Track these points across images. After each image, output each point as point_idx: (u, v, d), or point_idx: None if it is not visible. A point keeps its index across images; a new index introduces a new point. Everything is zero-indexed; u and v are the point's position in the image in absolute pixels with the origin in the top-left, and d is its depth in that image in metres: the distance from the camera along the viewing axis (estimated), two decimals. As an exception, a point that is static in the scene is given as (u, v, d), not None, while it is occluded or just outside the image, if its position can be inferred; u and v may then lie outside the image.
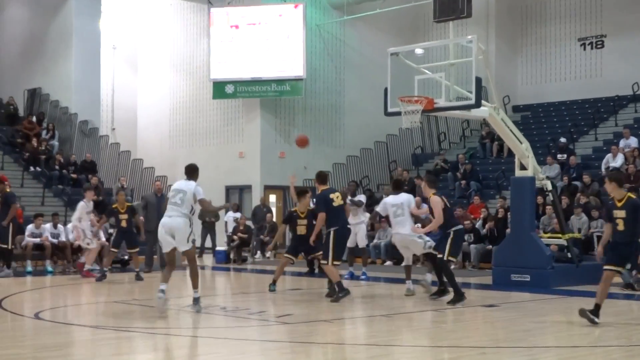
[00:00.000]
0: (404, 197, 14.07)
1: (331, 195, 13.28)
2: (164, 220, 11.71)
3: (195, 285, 11.85)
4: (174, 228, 11.62)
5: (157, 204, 19.87)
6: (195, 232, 26.44)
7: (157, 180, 23.08)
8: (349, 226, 14.01)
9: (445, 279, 13.11)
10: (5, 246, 18.26)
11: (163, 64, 32.28)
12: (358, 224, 17.14)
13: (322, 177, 13.63)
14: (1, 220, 18.20)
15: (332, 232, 13.10)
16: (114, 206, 18.19)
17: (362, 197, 17.72)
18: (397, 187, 14.52)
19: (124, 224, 17.76)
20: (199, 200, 11.82)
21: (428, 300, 13.30)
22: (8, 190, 19.11)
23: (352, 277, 17.38)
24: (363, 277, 17.41)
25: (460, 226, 13.31)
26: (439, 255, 12.94)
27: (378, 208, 14.53)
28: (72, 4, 28.89)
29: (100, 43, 29.62)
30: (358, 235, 17.15)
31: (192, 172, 12.08)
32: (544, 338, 9.96)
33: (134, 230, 18.13)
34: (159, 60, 32.46)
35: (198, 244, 26.02)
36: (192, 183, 11.89)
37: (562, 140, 25.56)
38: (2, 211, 18.35)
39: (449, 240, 12.87)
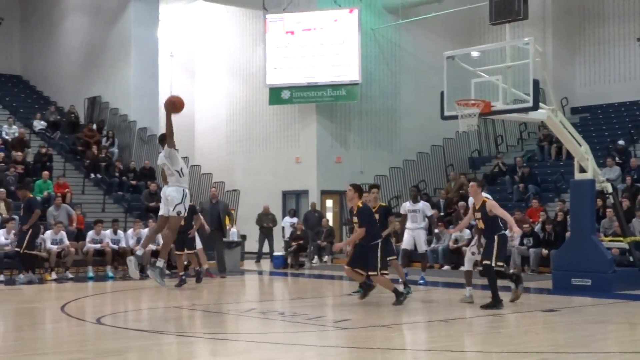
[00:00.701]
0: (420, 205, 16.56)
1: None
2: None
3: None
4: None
5: (211, 210, 20.31)
6: (254, 237, 26.68)
7: (212, 187, 23.23)
8: (407, 230, 14.57)
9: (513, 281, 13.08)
10: (26, 250, 18.45)
11: (220, 70, 32.51)
12: (417, 229, 17.11)
13: (360, 189, 13.46)
14: (23, 225, 18.61)
15: (379, 244, 13.10)
16: None
17: (420, 205, 17.31)
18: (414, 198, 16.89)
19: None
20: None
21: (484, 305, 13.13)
22: (30, 195, 19.53)
23: (425, 282, 17.35)
24: (421, 282, 17.33)
25: (505, 231, 13.03)
26: (486, 262, 12.74)
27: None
28: (130, 13, 29.27)
29: (158, 51, 29.94)
30: (417, 240, 17.10)
31: (160, 141, 12.89)
32: (606, 343, 9.79)
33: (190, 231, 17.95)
34: (216, 67, 32.71)
35: (256, 249, 26.20)
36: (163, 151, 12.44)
37: (621, 142, 25.15)
38: (24, 216, 18.71)
39: (495, 246, 12.70)
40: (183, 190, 11.89)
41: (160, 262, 11.67)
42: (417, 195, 17.46)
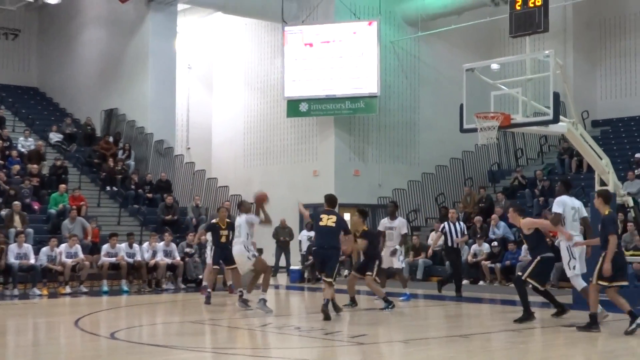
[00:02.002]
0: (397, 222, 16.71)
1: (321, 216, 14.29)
2: None
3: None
4: None
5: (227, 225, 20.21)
6: (270, 251, 26.65)
7: (226, 201, 23.18)
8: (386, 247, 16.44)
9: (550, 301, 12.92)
10: None
11: (237, 82, 32.57)
12: (393, 247, 16.86)
13: (365, 214, 15.34)
14: None
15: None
16: (214, 221, 17.42)
17: (397, 222, 17.12)
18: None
19: (223, 239, 16.94)
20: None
21: (510, 321, 13.01)
22: None
23: (408, 298, 17.13)
24: (403, 297, 16.98)
25: (550, 254, 12.93)
26: (518, 273, 12.72)
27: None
28: (148, 25, 29.38)
29: (175, 63, 30.01)
30: (394, 258, 16.88)
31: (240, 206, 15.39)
32: (628, 361, 9.66)
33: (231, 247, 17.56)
34: (234, 79, 32.77)
35: (272, 262, 26.15)
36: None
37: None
38: None
39: (534, 263, 12.68)
40: (245, 246, 14.76)
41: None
42: (394, 211, 17.27)
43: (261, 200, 14.99)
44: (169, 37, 29.71)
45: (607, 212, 11.81)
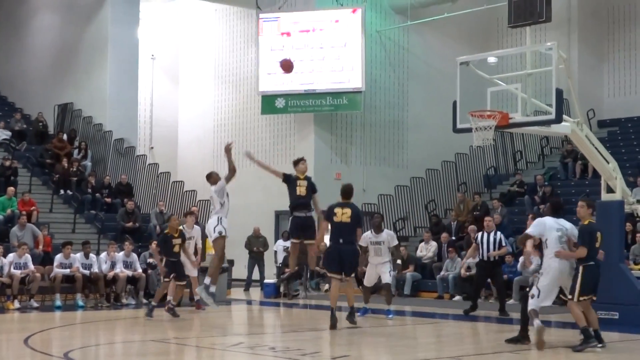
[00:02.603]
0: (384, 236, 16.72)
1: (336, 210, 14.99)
2: None
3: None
4: None
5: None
6: (242, 263, 26.67)
7: (193, 206, 23.21)
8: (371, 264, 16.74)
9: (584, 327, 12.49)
10: None
11: (207, 75, 32.56)
12: (382, 263, 16.74)
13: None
14: None
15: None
16: (166, 232, 17.64)
17: (384, 236, 17.07)
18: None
19: (176, 248, 17.19)
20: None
21: (502, 341, 13.10)
22: None
23: (365, 313, 17.08)
24: (390, 315, 16.93)
25: (592, 262, 12.62)
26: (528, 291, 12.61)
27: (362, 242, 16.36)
28: (107, 11, 29.33)
29: (138, 53, 29.96)
30: (382, 272, 16.76)
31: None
32: (635, 385, 9.76)
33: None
34: (203, 72, 32.76)
35: (245, 275, 26.15)
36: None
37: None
38: None
39: (579, 277, 12.15)
40: (218, 218, 15.54)
41: (213, 287, 15.13)
42: (380, 224, 17.24)
43: (228, 149, 15.91)
44: (130, 24, 29.67)
45: (586, 222, 12.29)
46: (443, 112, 20.42)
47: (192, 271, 18.08)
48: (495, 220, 23.48)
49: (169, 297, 16.94)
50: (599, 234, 12.26)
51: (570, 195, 25.75)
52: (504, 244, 18.37)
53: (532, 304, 12.21)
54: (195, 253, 18.64)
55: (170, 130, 33.36)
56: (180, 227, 17.68)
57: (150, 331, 15.03)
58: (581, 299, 12.04)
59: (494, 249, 18.11)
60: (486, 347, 12.92)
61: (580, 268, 12.02)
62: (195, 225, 18.84)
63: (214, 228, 15.40)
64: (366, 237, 16.75)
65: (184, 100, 33.49)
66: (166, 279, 17.09)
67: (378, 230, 16.92)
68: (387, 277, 16.83)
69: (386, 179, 28.93)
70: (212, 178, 16.16)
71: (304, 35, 28.50)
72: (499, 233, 18.50)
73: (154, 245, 19.54)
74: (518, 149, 30.09)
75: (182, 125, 33.49)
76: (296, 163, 16.35)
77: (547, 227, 12.34)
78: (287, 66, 16.29)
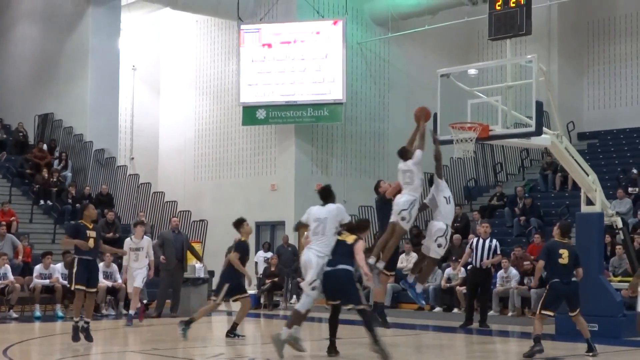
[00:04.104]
0: (328, 210, 12.77)
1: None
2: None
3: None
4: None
5: (174, 242, 20.80)
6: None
7: (174, 217, 23.16)
8: None
9: None
10: None
11: (188, 86, 32.53)
12: None
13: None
14: None
15: None
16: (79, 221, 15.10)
17: None
18: (325, 196, 13.04)
19: (91, 243, 14.68)
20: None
21: (484, 352, 13.16)
22: None
23: None
24: None
25: (555, 279, 13.14)
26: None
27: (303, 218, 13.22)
28: (88, 21, 29.28)
29: (119, 63, 29.94)
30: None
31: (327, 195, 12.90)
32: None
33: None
34: (183, 83, 32.72)
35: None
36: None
37: (634, 171, 25.34)
38: None
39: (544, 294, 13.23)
40: (414, 199, 13.58)
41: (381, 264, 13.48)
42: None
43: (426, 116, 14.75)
44: (111, 34, 29.64)
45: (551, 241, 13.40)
46: (424, 124, 20.43)
47: (136, 281, 17.94)
48: (480, 232, 23.57)
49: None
50: (562, 251, 12.63)
51: (550, 207, 25.89)
52: (498, 252, 18.40)
53: None
54: (149, 267, 18.32)
55: (151, 141, 33.28)
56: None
57: (130, 342, 14.97)
58: (543, 312, 12.92)
59: (488, 257, 18.10)
60: (464, 357, 12.94)
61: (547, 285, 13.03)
62: (145, 236, 18.60)
63: (401, 211, 13.56)
64: None
65: (165, 111, 33.44)
66: (78, 286, 14.00)
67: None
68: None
69: (367, 190, 28.71)
70: (408, 153, 14.35)
71: (285, 47, 28.53)
72: (494, 240, 18.51)
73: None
74: (498, 161, 30.20)
75: (163, 136, 33.43)
76: None
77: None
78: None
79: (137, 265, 18.03)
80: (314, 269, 11.96)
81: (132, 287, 18.05)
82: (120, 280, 20.89)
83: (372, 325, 11.75)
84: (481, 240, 18.21)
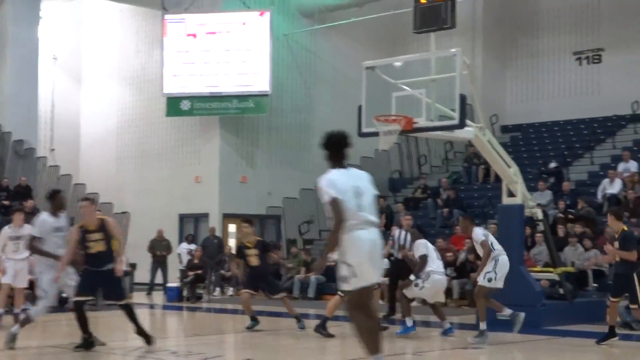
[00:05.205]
0: None
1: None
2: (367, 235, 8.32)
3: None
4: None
5: None
6: (145, 267, 26.45)
7: (97, 210, 22.74)
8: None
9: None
10: None
11: (110, 76, 32.21)
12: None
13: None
14: None
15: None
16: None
17: None
18: None
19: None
20: None
21: (402, 341, 13.29)
22: None
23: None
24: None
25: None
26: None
27: None
28: (7, 9, 28.80)
29: (38, 53, 29.49)
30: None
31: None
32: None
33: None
34: (106, 73, 32.39)
35: (147, 279, 25.94)
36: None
37: (553, 164, 25.82)
38: None
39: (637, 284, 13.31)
40: None
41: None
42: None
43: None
44: (30, 22, 29.22)
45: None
46: (349, 116, 20.53)
47: (21, 281, 16.64)
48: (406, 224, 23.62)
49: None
50: None
51: (472, 199, 26.23)
52: (406, 246, 18.37)
53: None
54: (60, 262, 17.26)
55: (71, 132, 32.86)
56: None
57: (49, 337, 14.80)
58: None
59: (410, 249, 17.98)
60: (387, 348, 13.03)
61: None
62: (26, 225, 16.31)
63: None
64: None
65: (87, 102, 33.05)
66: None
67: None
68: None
69: (292, 182, 29.01)
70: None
71: (210, 37, 28.42)
72: (409, 234, 18.47)
73: None
74: (423, 153, 30.50)
75: (85, 127, 33.05)
76: None
77: None
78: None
79: (16, 257, 16.30)
80: None
81: (5, 281, 16.42)
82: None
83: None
84: (403, 232, 18.18)
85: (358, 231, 8.09)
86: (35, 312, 12.58)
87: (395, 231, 18.19)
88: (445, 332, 14.45)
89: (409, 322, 14.31)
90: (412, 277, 14.35)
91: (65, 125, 32.69)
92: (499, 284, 13.82)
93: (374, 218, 8.25)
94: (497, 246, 13.96)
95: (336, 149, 8.47)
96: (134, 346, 12.77)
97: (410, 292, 14.38)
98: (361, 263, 8.10)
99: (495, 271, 13.70)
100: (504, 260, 13.85)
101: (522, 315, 13.62)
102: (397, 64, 21.21)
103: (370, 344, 8.18)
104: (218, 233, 27.00)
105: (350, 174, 8.45)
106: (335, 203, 8.04)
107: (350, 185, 8.26)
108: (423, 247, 14.70)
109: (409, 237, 17.55)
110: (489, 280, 13.66)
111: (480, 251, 14.02)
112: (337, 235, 8.05)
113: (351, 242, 8.05)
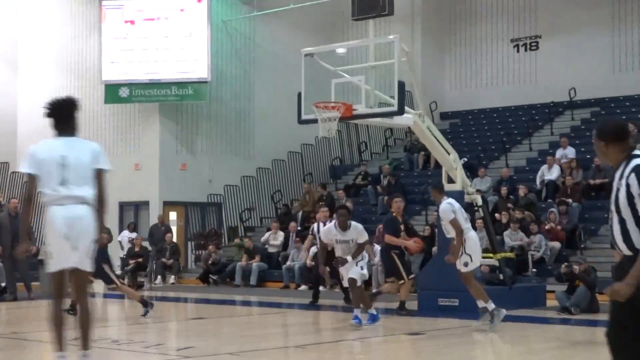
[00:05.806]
0: None
1: None
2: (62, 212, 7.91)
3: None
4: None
5: (12, 226, 19.65)
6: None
7: (13, 198, 22.43)
8: None
9: None
10: None
11: (47, 63, 31.78)
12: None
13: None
14: None
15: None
16: None
17: None
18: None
19: None
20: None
21: (348, 329, 13.37)
22: None
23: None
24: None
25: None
26: None
27: None
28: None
29: (-27, 39, 29.06)
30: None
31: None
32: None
33: None
34: (43, 59, 31.95)
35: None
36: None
37: (464, 159, 26.11)
38: None
39: None
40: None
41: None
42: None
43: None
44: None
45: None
46: (289, 104, 20.63)
47: None
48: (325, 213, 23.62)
49: None
50: None
51: (413, 186, 26.42)
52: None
53: None
54: None
55: (8, 119, 32.35)
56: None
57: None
58: None
59: None
60: (330, 335, 13.14)
61: None
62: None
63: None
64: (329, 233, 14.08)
65: (24, 89, 32.57)
66: None
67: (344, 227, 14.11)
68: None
69: (232, 169, 28.96)
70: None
71: (148, 24, 28.20)
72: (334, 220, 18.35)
73: None
74: (363, 140, 30.65)
75: (22, 115, 32.55)
76: None
77: None
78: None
79: None
80: None
81: None
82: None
83: None
84: (321, 224, 17.70)
85: (53, 207, 7.69)
86: None
87: (314, 225, 18.20)
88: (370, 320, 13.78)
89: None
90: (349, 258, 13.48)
91: (1, 113, 32.19)
92: (477, 262, 13.72)
93: (80, 192, 7.80)
94: (462, 220, 13.60)
95: (59, 115, 8.16)
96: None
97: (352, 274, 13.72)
98: (56, 243, 7.70)
99: (467, 253, 13.29)
100: (472, 236, 13.56)
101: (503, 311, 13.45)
102: (341, 50, 21.34)
103: (57, 339, 7.85)
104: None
105: (67, 143, 8.07)
106: (30, 179, 7.86)
107: (57, 155, 7.88)
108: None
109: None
110: (465, 264, 13.34)
111: (446, 230, 13.72)
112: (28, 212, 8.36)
113: (47, 220, 7.71)
